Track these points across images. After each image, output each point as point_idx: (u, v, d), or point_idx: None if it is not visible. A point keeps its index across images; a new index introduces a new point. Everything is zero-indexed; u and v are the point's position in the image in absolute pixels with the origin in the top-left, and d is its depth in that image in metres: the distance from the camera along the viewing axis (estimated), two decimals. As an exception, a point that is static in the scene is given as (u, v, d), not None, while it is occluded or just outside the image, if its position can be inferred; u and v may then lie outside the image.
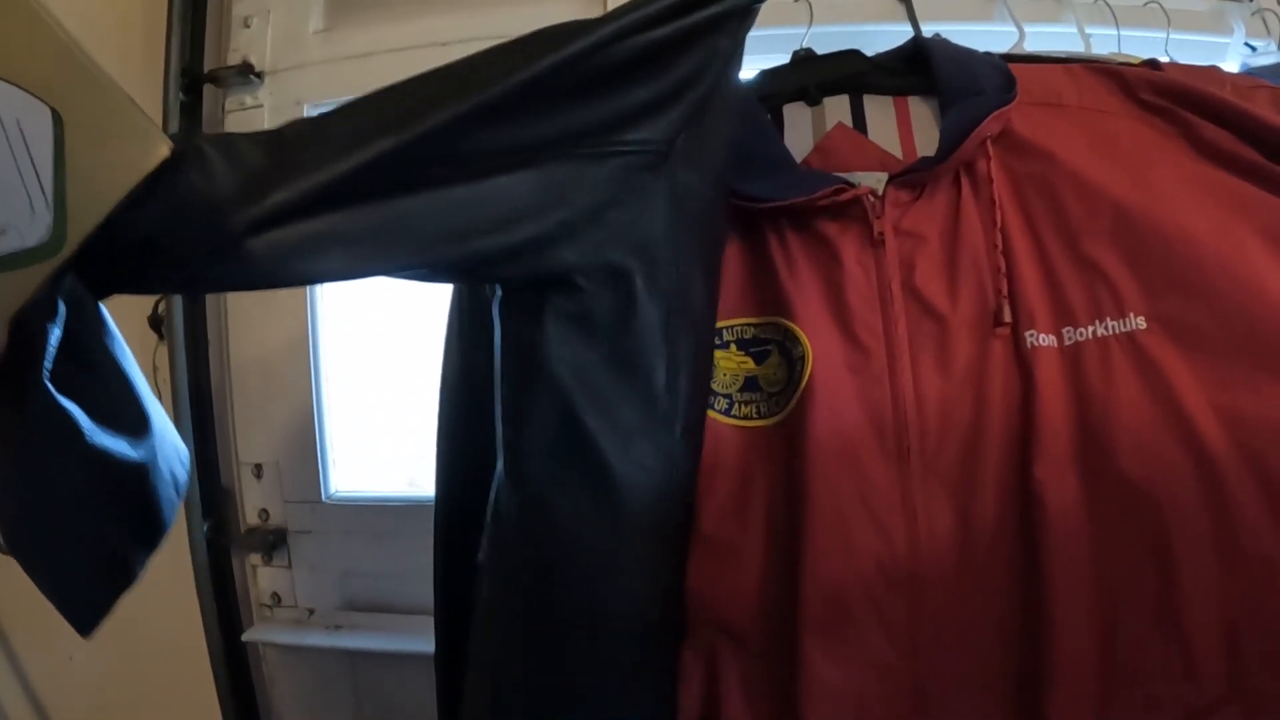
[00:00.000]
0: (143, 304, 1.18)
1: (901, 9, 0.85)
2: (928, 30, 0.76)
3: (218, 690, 1.19)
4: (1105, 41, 0.92)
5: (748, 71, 0.70)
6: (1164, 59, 0.76)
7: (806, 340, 0.58)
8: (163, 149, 0.45)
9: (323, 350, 1.16)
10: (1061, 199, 0.61)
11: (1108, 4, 0.95)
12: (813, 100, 0.68)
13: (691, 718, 0.58)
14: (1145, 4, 0.98)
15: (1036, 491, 0.55)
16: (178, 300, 1.12)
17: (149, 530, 0.55)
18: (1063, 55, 0.73)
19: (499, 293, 0.59)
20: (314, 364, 1.14)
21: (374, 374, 1.21)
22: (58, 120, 0.43)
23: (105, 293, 0.48)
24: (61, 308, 0.45)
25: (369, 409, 1.22)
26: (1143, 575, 0.55)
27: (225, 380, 1.18)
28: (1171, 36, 0.94)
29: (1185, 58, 0.88)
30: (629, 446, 0.56)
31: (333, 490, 1.17)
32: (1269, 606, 0.54)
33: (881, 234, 0.60)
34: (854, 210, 0.60)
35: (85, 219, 0.43)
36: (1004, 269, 0.59)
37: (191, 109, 1.15)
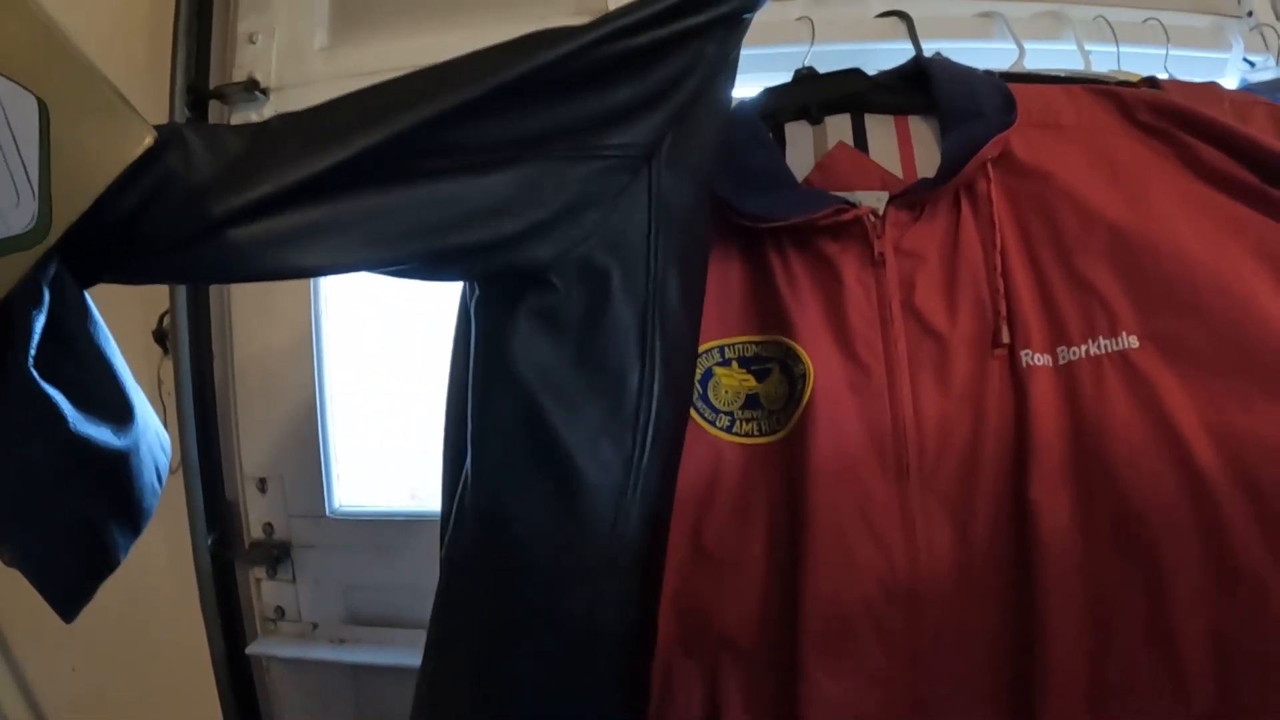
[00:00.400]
0: (147, 318, 1.18)
1: (903, 27, 0.85)
2: (929, 48, 0.77)
3: (221, 703, 1.19)
4: (1105, 58, 0.92)
5: (750, 89, 0.71)
6: (1163, 76, 0.77)
7: (808, 358, 0.58)
8: (147, 137, 0.45)
9: (327, 364, 1.16)
10: (1058, 219, 0.61)
11: (1107, 21, 0.95)
12: (814, 119, 0.69)
13: None
14: (1144, 21, 0.98)
15: (1031, 510, 0.56)
16: (182, 314, 1.13)
17: (132, 517, 0.56)
18: (1063, 74, 0.74)
19: (476, 291, 0.59)
20: (318, 378, 1.15)
21: (377, 388, 1.21)
22: (43, 109, 0.43)
23: (90, 280, 0.49)
24: (46, 294, 0.46)
25: (373, 423, 1.22)
26: (1134, 591, 0.55)
27: (229, 394, 1.18)
28: (1171, 53, 0.95)
29: (1184, 74, 0.89)
30: (594, 447, 0.56)
31: (337, 504, 1.17)
32: (1258, 623, 0.54)
33: (882, 254, 0.60)
34: (855, 230, 0.60)
35: (70, 207, 0.44)
36: (1003, 290, 0.60)
37: (189, 122, 1.15)
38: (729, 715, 0.57)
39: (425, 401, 1.01)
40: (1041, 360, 0.58)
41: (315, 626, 1.19)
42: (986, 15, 0.99)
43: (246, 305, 1.17)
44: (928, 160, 0.66)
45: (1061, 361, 0.59)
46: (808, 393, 0.58)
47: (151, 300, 1.17)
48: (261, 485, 1.18)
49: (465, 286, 0.67)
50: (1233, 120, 0.64)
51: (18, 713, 1.29)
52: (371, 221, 0.52)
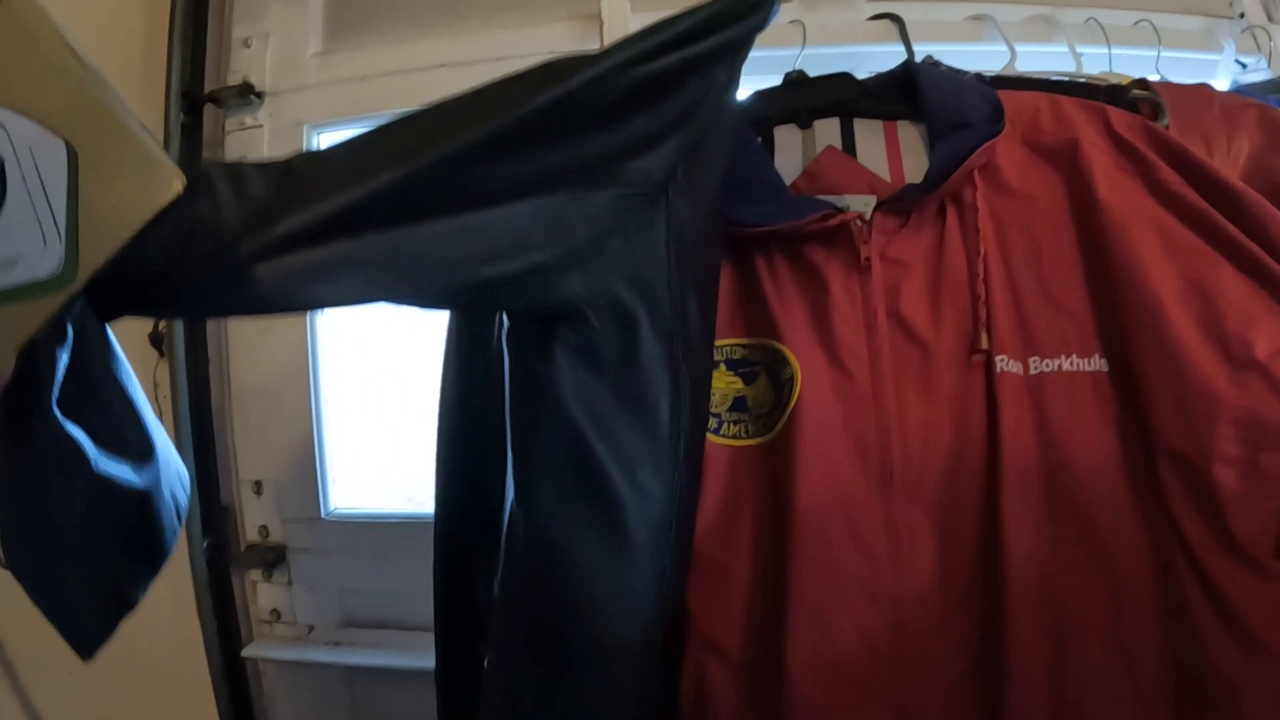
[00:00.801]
0: (143, 321, 1.18)
1: (894, 30, 0.85)
2: (920, 51, 0.77)
3: (217, 706, 1.19)
4: (1097, 60, 0.92)
5: (741, 92, 0.71)
6: (1154, 78, 0.77)
7: (795, 363, 0.59)
8: (176, 184, 0.45)
9: (322, 368, 1.16)
10: (1039, 241, 0.62)
11: (1099, 23, 0.96)
12: (803, 123, 0.69)
13: None
14: (1136, 23, 0.99)
15: (1001, 519, 0.56)
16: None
17: (151, 556, 0.56)
18: (1053, 78, 0.74)
19: (507, 324, 0.59)
20: (314, 381, 1.15)
21: (373, 391, 1.22)
22: (72, 154, 0.43)
23: (112, 316, 0.49)
24: (70, 333, 0.46)
25: (368, 426, 1.22)
26: (1095, 600, 0.56)
27: (225, 397, 1.18)
28: (1162, 55, 0.95)
29: (1176, 76, 0.89)
30: (635, 476, 0.57)
31: (332, 507, 1.18)
32: (1202, 639, 0.55)
33: (868, 260, 0.61)
34: (841, 236, 0.61)
35: (96, 252, 0.43)
36: (984, 297, 0.60)
37: (192, 129, 1.15)
38: (715, 719, 0.57)
39: (420, 404, 1.01)
40: (1013, 367, 0.59)
41: (311, 629, 1.20)
42: (978, 18, 0.99)
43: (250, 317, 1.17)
44: (915, 165, 0.66)
45: (1033, 371, 0.59)
46: (794, 397, 0.58)
47: (147, 304, 1.18)
48: (257, 488, 1.18)
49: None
50: (1223, 128, 0.65)
51: (14, 715, 1.29)
52: (399, 256, 0.51)
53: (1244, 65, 1.03)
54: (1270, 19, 1.06)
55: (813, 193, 0.64)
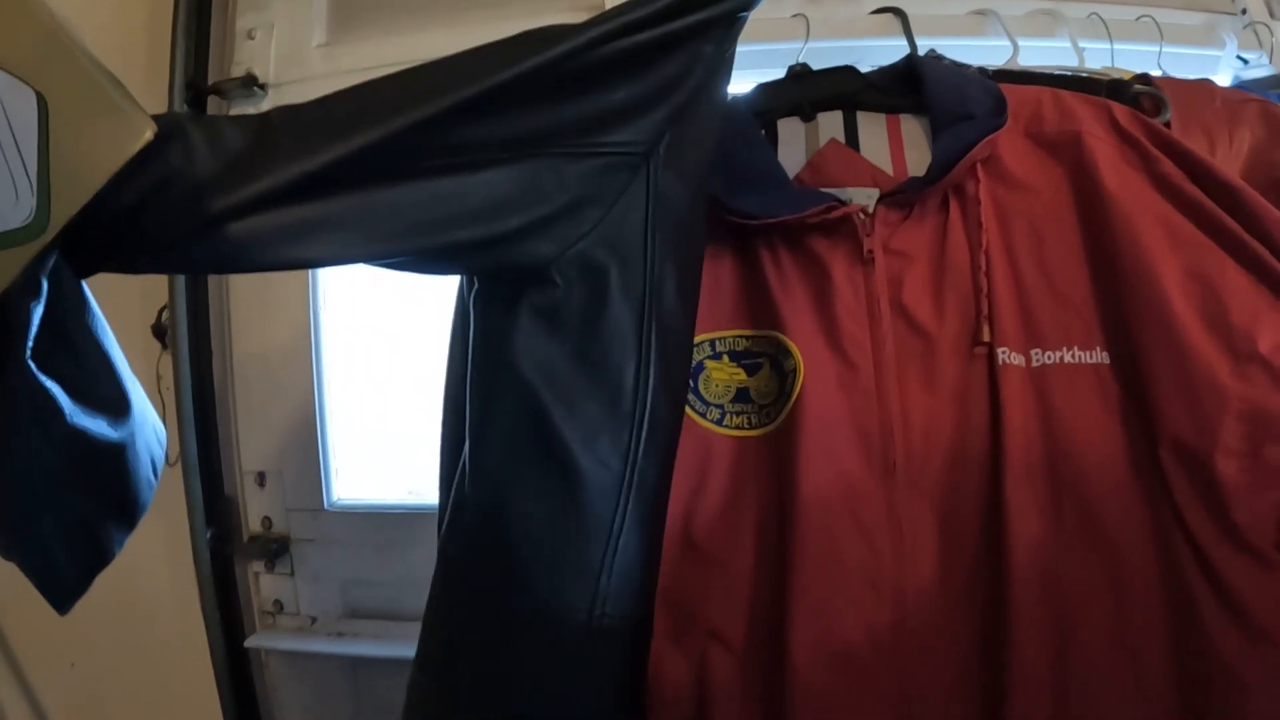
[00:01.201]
0: (146, 313, 1.19)
1: (897, 24, 0.85)
2: (923, 45, 0.77)
3: (220, 697, 1.19)
4: (1099, 56, 0.93)
5: (744, 85, 0.71)
6: (1156, 73, 0.78)
7: (798, 354, 0.59)
8: (147, 131, 0.45)
9: (325, 359, 1.16)
10: (1042, 234, 0.62)
11: (1101, 18, 0.96)
12: (807, 116, 0.69)
13: None
14: (1138, 18, 0.99)
15: (1005, 509, 0.56)
16: (181, 309, 1.13)
17: (127, 510, 0.56)
18: (1055, 73, 0.74)
19: (475, 285, 0.60)
20: (316, 372, 1.15)
21: (376, 383, 1.22)
22: (42, 103, 0.43)
23: (88, 271, 0.49)
24: (44, 286, 0.46)
25: (371, 418, 1.22)
26: (1098, 593, 0.57)
27: (228, 388, 1.19)
28: (1164, 50, 0.95)
29: (1178, 71, 0.89)
30: (593, 443, 0.57)
31: (335, 498, 1.18)
32: (1203, 628, 0.55)
33: (871, 252, 0.61)
34: (844, 228, 0.61)
35: (69, 202, 0.43)
36: (986, 289, 0.60)
37: (189, 113, 1.16)
38: (717, 707, 0.57)
39: (423, 396, 1.01)
40: (1015, 359, 0.59)
41: (314, 620, 1.20)
42: (981, 12, 0.99)
43: (245, 300, 1.17)
44: (918, 158, 0.66)
45: (1034, 364, 0.59)
46: (798, 388, 0.58)
47: (150, 295, 1.18)
48: (260, 479, 1.19)
49: (463, 281, 0.67)
50: (1225, 122, 0.65)
51: (16, 707, 1.30)
52: (373, 217, 0.52)
53: (1246, 61, 1.03)
54: (1272, 15, 1.06)
55: (816, 185, 0.64)
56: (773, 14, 0.95)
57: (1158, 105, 0.69)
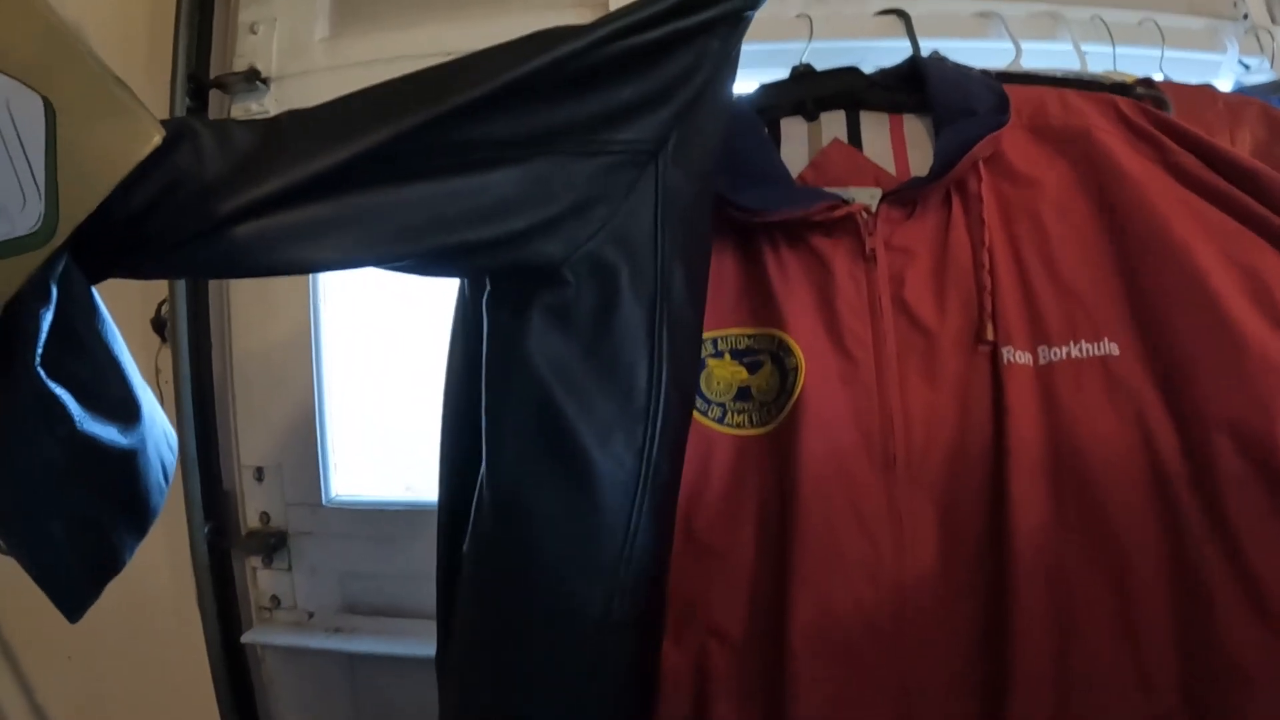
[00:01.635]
0: (145, 307, 1.19)
1: (901, 25, 0.85)
2: (926, 47, 0.77)
3: (216, 692, 1.19)
4: (1101, 59, 0.93)
5: (748, 84, 0.71)
6: (1158, 77, 0.78)
7: (799, 351, 0.59)
8: (155, 136, 0.45)
9: (325, 353, 1.16)
10: (1046, 225, 0.62)
11: (1104, 21, 0.96)
12: (810, 115, 0.70)
13: (680, 717, 0.59)
14: (1140, 22, 0.99)
15: (1008, 505, 0.57)
16: (181, 303, 1.13)
17: (138, 517, 0.56)
18: (1059, 74, 0.75)
19: (487, 287, 0.60)
20: (316, 367, 1.15)
21: (375, 378, 1.22)
22: (49, 109, 0.43)
23: (99, 276, 0.49)
24: (54, 292, 0.45)
25: (370, 413, 1.22)
26: (1101, 587, 0.57)
27: (227, 383, 1.18)
28: (1166, 54, 0.95)
29: (1180, 75, 0.90)
30: (607, 441, 0.57)
31: (333, 494, 1.18)
32: (1212, 623, 0.55)
33: (873, 249, 0.61)
34: (847, 226, 0.61)
35: (77, 207, 0.43)
36: (989, 287, 0.60)
37: (198, 115, 1.15)
38: (717, 703, 0.58)
39: (422, 392, 1.01)
40: (1022, 358, 0.59)
41: (311, 615, 1.20)
42: (984, 14, 0.99)
43: (246, 295, 1.17)
44: (921, 158, 0.66)
45: (1042, 361, 0.60)
46: (799, 385, 0.58)
47: (150, 289, 1.18)
48: (258, 474, 1.18)
49: (465, 282, 0.67)
50: (1226, 123, 0.65)
51: (13, 700, 1.30)
52: (380, 218, 0.52)
53: (1247, 66, 1.03)
54: (1274, 20, 1.07)
55: (819, 184, 0.65)
56: (777, 14, 0.96)
57: (1160, 107, 0.69)
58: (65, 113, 0.43)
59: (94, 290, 0.50)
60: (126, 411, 0.53)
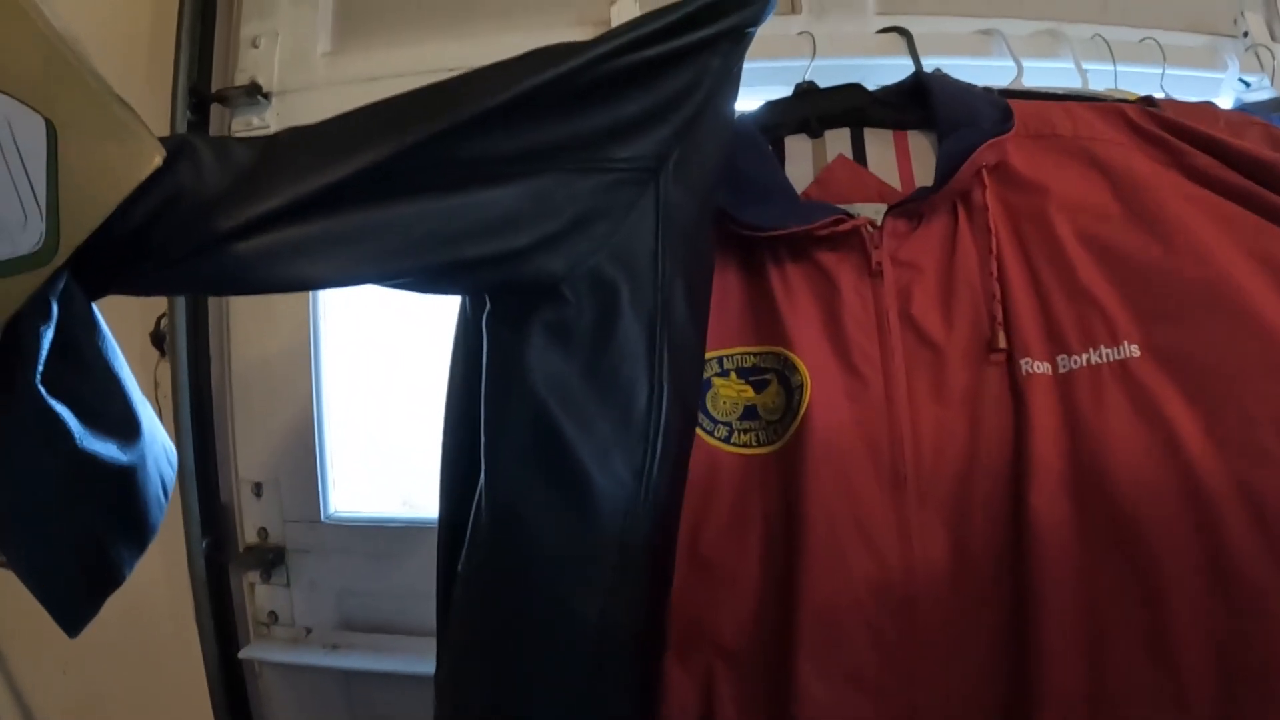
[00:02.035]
0: (145, 320, 1.18)
1: (903, 43, 0.86)
2: (928, 65, 0.78)
3: (213, 707, 1.19)
4: (1102, 77, 0.93)
5: (752, 102, 0.71)
6: (1159, 95, 0.78)
7: (805, 369, 0.59)
8: (156, 157, 0.45)
9: (324, 370, 1.16)
10: (1056, 231, 0.62)
11: (1105, 40, 0.96)
12: (814, 132, 0.70)
13: None
14: (1141, 40, 0.99)
15: (1030, 519, 0.55)
16: (180, 317, 1.13)
17: (137, 532, 0.56)
18: (1061, 91, 0.75)
19: (487, 304, 0.60)
20: (315, 383, 1.15)
21: (375, 394, 1.22)
22: (50, 128, 0.43)
23: (98, 293, 0.49)
24: (55, 309, 0.46)
25: (369, 428, 1.22)
26: (1132, 602, 0.55)
27: (226, 398, 1.18)
28: (1167, 72, 0.96)
29: (1180, 93, 0.90)
30: (606, 459, 0.57)
31: (332, 510, 1.17)
32: (1258, 633, 0.54)
33: (879, 264, 0.61)
34: (852, 241, 0.61)
35: (77, 227, 0.44)
36: (998, 295, 0.60)
37: (198, 129, 1.15)
38: None
39: (422, 408, 1.01)
40: (1041, 369, 0.58)
41: (309, 632, 1.19)
42: (986, 33, 1.00)
43: (245, 309, 1.17)
44: (925, 174, 0.66)
45: (1061, 370, 0.59)
46: (804, 404, 0.58)
47: (149, 303, 1.17)
48: (257, 490, 1.18)
49: (466, 298, 0.67)
50: (1227, 135, 0.65)
51: (9, 714, 1.29)
52: (382, 234, 0.52)
53: (1248, 84, 1.04)
54: (1274, 38, 1.07)
55: (824, 201, 0.64)
56: (779, 31, 0.96)
57: (1163, 126, 0.69)
58: (66, 132, 0.43)
59: (94, 307, 0.50)
60: (126, 428, 0.53)
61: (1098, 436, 0.57)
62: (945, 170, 0.61)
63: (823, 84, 0.72)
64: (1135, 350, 0.58)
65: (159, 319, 1.18)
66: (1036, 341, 0.59)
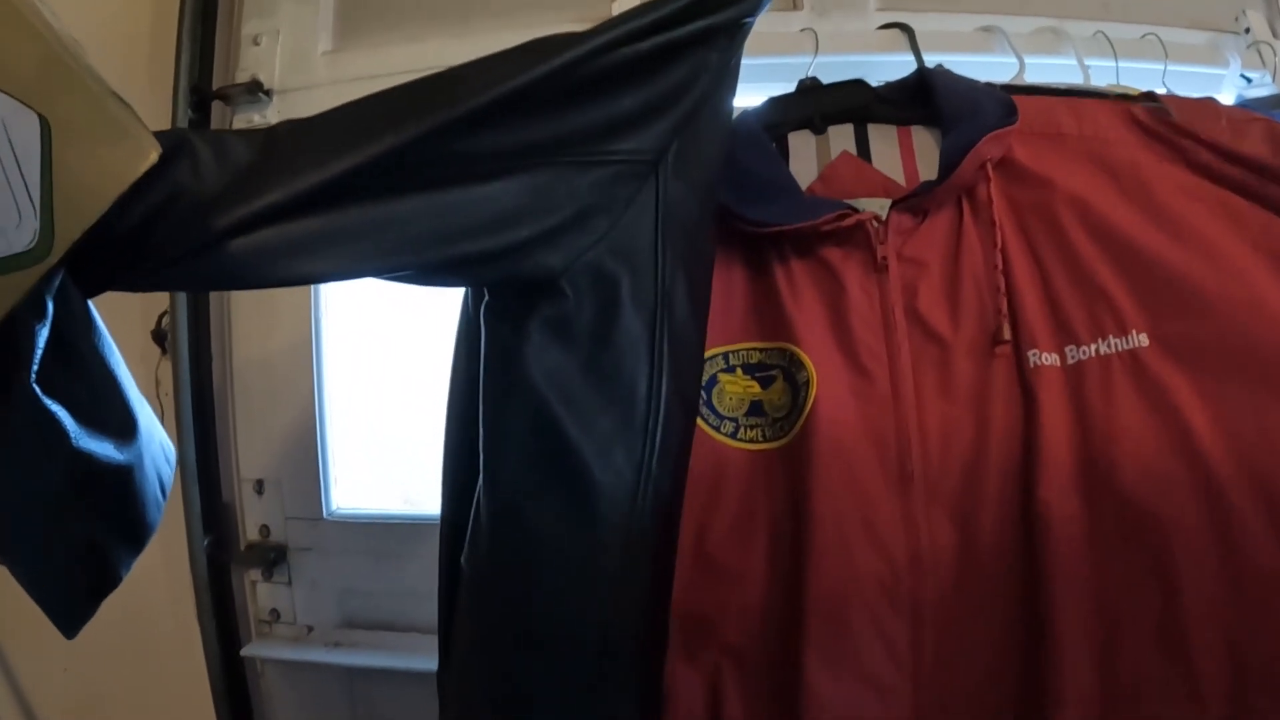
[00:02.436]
0: (146, 318, 1.18)
1: (904, 40, 0.86)
2: (929, 61, 0.77)
3: (215, 705, 1.19)
4: (1104, 73, 0.93)
5: (754, 99, 0.71)
6: (1161, 91, 0.78)
7: (811, 365, 0.59)
8: (151, 154, 0.45)
9: (326, 367, 1.16)
10: (1062, 223, 0.62)
11: (1106, 36, 0.96)
12: (818, 129, 0.70)
13: None
14: (1143, 36, 0.99)
15: (1040, 513, 0.55)
16: (182, 315, 1.13)
17: (135, 532, 0.56)
18: (1063, 87, 0.75)
19: (486, 297, 0.60)
20: (317, 381, 1.15)
21: (376, 392, 1.21)
22: (45, 126, 0.43)
23: (95, 291, 0.49)
24: (50, 307, 0.45)
25: (371, 427, 1.22)
26: (1144, 595, 0.55)
27: (228, 395, 1.18)
28: (1169, 68, 0.95)
29: (1182, 89, 0.89)
30: (607, 454, 0.57)
31: (334, 507, 1.17)
32: (1272, 625, 0.54)
33: (884, 259, 0.61)
34: (857, 236, 0.61)
35: (72, 225, 0.43)
36: (1003, 288, 0.60)
37: (200, 126, 1.15)
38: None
39: (422, 406, 1.01)
40: (1049, 360, 0.58)
41: (310, 629, 1.19)
42: (987, 29, 1.00)
43: (246, 307, 1.17)
44: (930, 170, 0.66)
45: (1070, 361, 0.59)
46: (811, 400, 0.58)
47: (150, 300, 1.17)
48: (258, 487, 1.18)
49: (469, 292, 0.67)
50: (1229, 136, 0.65)
51: (9, 714, 1.29)
52: (380, 230, 0.52)
53: (1249, 80, 1.04)
54: (1275, 34, 1.07)
55: (828, 197, 0.64)
56: (781, 28, 0.96)
57: (1165, 120, 0.69)
58: (61, 130, 0.43)
59: (91, 305, 0.49)
60: (123, 427, 0.52)
61: (1107, 428, 0.56)
62: (949, 164, 0.61)
63: (826, 80, 0.72)
64: (1144, 340, 0.58)
65: (160, 317, 1.17)
66: (1044, 333, 0.59)
